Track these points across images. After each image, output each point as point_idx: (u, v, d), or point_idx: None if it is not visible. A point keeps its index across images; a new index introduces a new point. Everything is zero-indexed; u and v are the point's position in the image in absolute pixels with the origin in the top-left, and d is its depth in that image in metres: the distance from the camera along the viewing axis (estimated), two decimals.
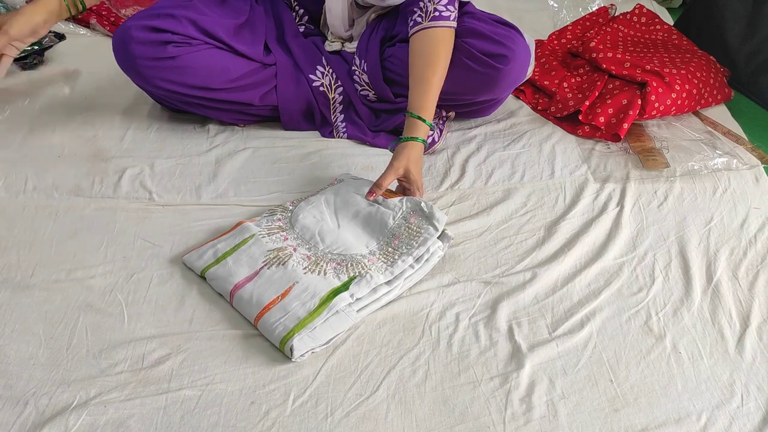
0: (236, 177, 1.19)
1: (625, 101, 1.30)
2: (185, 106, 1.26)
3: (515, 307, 0.96)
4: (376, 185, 1.06)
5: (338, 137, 1.31)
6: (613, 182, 1.20)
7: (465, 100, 1.26)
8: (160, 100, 1.31)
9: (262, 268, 0.95)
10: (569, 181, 1.21)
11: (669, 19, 1.80)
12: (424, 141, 1.10)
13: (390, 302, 0.95)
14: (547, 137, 1.33)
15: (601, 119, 1.29)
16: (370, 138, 1.29)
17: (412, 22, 1.14)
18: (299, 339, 0.86)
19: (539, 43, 1.56)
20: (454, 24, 1.14)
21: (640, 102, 1.29)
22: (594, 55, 1.40)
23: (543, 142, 1.31)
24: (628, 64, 1.35)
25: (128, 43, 1.15)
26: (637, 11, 1.63)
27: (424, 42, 1.13)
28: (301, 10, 1.32)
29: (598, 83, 1.35)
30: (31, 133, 1.28)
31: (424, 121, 1.10)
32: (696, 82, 1.35)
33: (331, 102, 1.31)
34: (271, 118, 1.31)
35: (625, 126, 1.27)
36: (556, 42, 1.59)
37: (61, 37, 1.63)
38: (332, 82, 1.29)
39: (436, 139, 1.28)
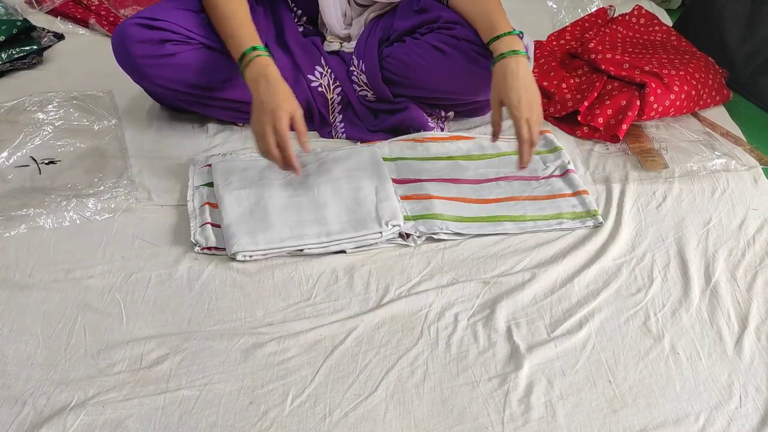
0: None
1: (623, 102, 1.30)
2: (184, 104, 1.26)
3: (514, 307, 0.96)
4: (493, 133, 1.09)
5: (337, 137, 1.30)
6: (612, 183, 1.20)
7: (464, 100, 1.26)
8: (159, 98, 1.31)
9: None
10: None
11: (668, 21, 1.80)
12: (515, 52, 1.04)
13: (389, 302, 0.95)
14: None
15: (600, 120, 1.29)
16: (369, 138, 1.29)
17: None
18: None
19: (538, 44, 1.56)
20: None
21: (638, 103, 1.29)
22: (593, 56, 1.40)
23: None
24: (627, 65, 1.35)
25: (127, 42, 1.15)
26: (636, 12, 1.63)
27: None
28: (299, 11, 1.31)
29: (597, 84, 1.35)
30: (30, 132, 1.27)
31: (507, 33, 1.06)
32: (695, 83, 1.36)
33: (330, 102, 1.30)
34: None
35: (624, 127, 1.28)
36: (555, 43, 1.59)
37: (60, 36, 1.63)
38: (331, 83, 1.29)
39: None
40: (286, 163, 1.05)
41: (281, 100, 1.03)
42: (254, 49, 1.07)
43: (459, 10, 1.16)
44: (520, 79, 1.03)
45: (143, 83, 1.23)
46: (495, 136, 1.10)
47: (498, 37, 1.07)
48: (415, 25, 1.23)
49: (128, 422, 0.79)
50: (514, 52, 1.05)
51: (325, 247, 1.03)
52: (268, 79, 1.04)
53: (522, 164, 1.07)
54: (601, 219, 1.11)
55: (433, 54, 1.20)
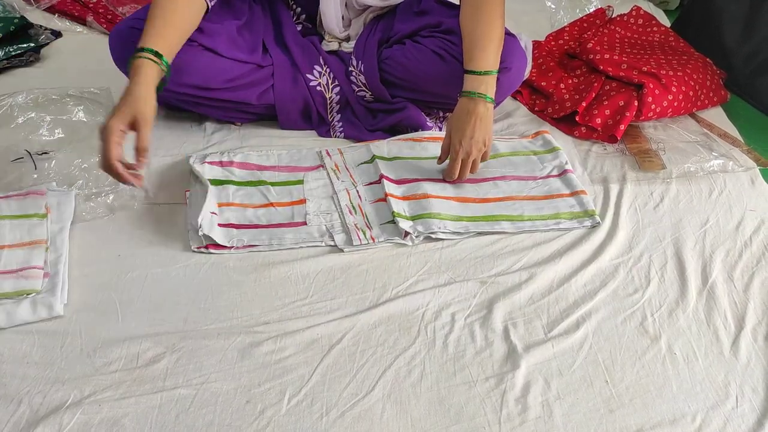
0: None
1: (621, 103, 1.30)
2: (182, 104, 1.26)
3: (511, 307, 0.96)
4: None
5: (335, 137, 1.30)
6: (610, 183, 1.20)
7: None
8: (157, 98, 1.30)
9: None
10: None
11: (666, 21, 1.80)
12: (472, 93, 1.08)
13: (386, 301, 0.95)
14: None
15: (598, 120, 1.29)
16: (367, 137, 1.28)
17: None
18: None
19: (536, 44, 1.56)
20: None
21: (636, 103, 1.29)
22: (591, 56, 1.40)
23: None
24: (625, 65, 1.35)
25: (125, 44, 1.15)
26: (634, 13, 1.63)
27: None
28: (299, 9, 1.31)
29: (595, 84, 1.35)
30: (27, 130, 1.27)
31: (474, 72, 1.08)
32: (692, 83, 1.36)
33: (328, 102, 1.30)
34: (269, 116, 1.31)
35: (622, 127, 1.28)
36: (553, 43, 1.59)
37: (57, 34, 1.62)
38: (329, 82, 1.29)
39: None
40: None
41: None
42: (142, 50, 1.01)
43: (460, 19, 1.15)
44: (471, 122, 1.08)
45: None
46: (439, 159, 1.16)
47: (470, 72, 1.09)
48: (416, 28, 1.23)
49: (124, 421, 0.78)
50: (476, 94, 1.08)
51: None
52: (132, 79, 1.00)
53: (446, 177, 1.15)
54: (598, 219, 1.11)
55: (432, 59, 1.20)
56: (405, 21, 1.25)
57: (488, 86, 1.08)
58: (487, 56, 1.09)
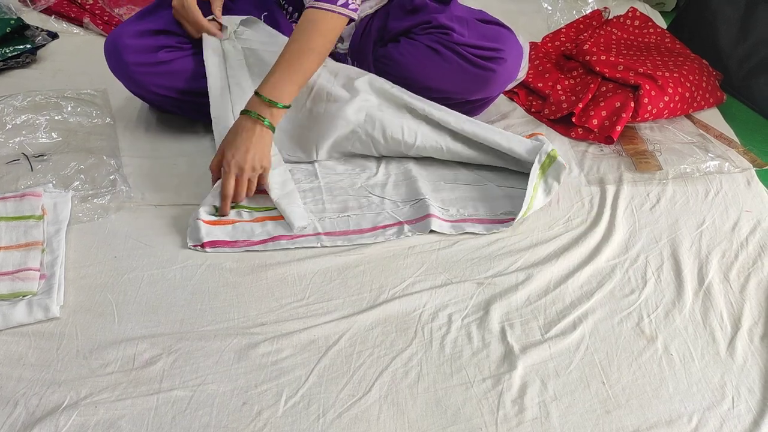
0: None
1: (618, 104, 1.30)
2: (177, 109, 1.26)
3: (508, 308, 0.96)
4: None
5: None
6: (606, 184, 1.21)
7: (458, 100, 1.27)
8: (153, 104, 1.31)
9: None
10: (562, 183, 1.21)
11: (662, 23, 1.81)
12: (252, 113, 1.04)
13: (382, 303, 0.95)
14: None
15: (594, 122, 1.30)
16: None
17: None
18: None
19: (533, 46, 1.57)
20: (346, 12, 1.09)
21: (633, 105, 1.29)
22: (587, 57, 1.41)
23: None
24: (622, 66, 1.36)
25: (120, 50, 1.16)
26: (630, 14, 1.63)
27: (304, 22, 1.07)
28: (290, 8, 1.31)
29: (592, 86, 1.35)
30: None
31: (261, 97, 1.04)
32: (689, 85, 1.36)
33: None
34: None
35: (618, 128, 1.28)
36: (549, 44, 1.59)
37: (54, 35, 1.62)
38: None
39: None
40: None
41: None
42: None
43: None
44: (245, 139, 1.04)
45: (136, 90, 1.23)
46: (213, 180, 1.09)
47: (258, 94, 1.05)
48: (409, 26, 1.23)
49: (121, 423, 0.78)
50: (256, 114, 1.04)
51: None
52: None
53: (220, 213, 1.07)
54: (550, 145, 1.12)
55: (427, 54, 1.20)
56: (398, 19, 1.26)
57: (272, 115, 1.05)
58: (282, 87, 1.05)
